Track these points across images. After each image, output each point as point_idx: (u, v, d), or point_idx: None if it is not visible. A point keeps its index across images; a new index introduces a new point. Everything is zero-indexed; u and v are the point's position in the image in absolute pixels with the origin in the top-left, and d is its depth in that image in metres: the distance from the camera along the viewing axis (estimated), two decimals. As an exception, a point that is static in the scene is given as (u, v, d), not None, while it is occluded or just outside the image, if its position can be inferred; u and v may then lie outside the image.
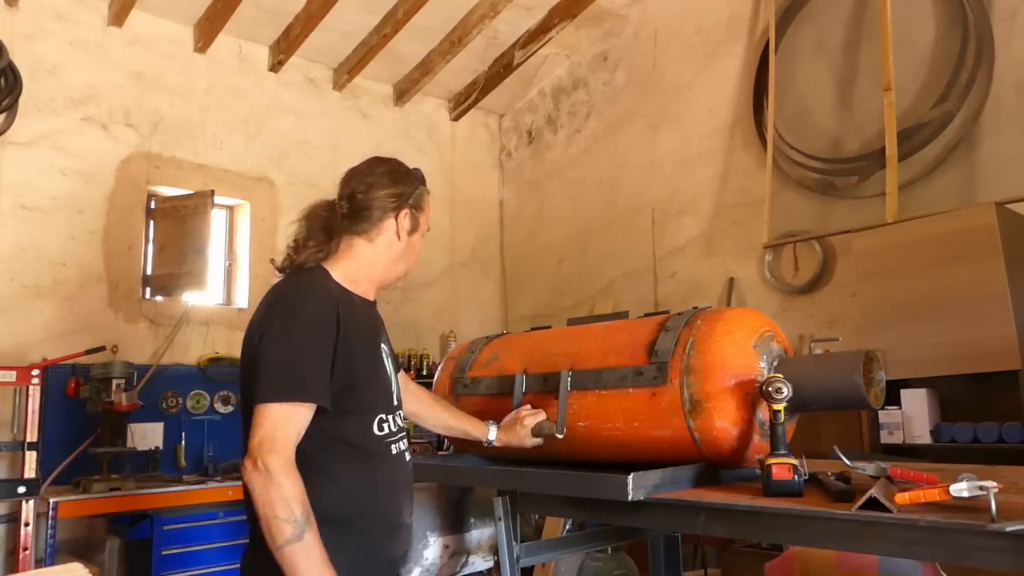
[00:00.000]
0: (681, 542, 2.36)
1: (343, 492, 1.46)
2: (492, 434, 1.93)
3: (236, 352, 4.70)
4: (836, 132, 3.99)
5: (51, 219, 4.20)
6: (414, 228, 1.66)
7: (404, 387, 1.79)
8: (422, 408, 1.95)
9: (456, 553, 2.18)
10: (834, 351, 1.99)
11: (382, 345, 1.62)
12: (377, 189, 1.63)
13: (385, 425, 1.54)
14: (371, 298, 1.66)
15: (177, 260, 4.47)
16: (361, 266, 1.62)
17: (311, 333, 1.42)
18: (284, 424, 1.36)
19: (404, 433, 1.62)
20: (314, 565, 1.31)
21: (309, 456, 1.41)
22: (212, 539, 4.01)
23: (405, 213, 1.63)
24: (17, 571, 3.53)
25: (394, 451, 1.55)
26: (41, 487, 3.62)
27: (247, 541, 1.50)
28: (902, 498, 1.25)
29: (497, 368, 2.12)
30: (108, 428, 3.93)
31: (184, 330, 4.58)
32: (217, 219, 4.91)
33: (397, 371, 1.69)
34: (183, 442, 4.37)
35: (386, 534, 1.52)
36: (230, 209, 5.12)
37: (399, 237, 1.63)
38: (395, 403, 1.61)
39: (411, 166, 1.73)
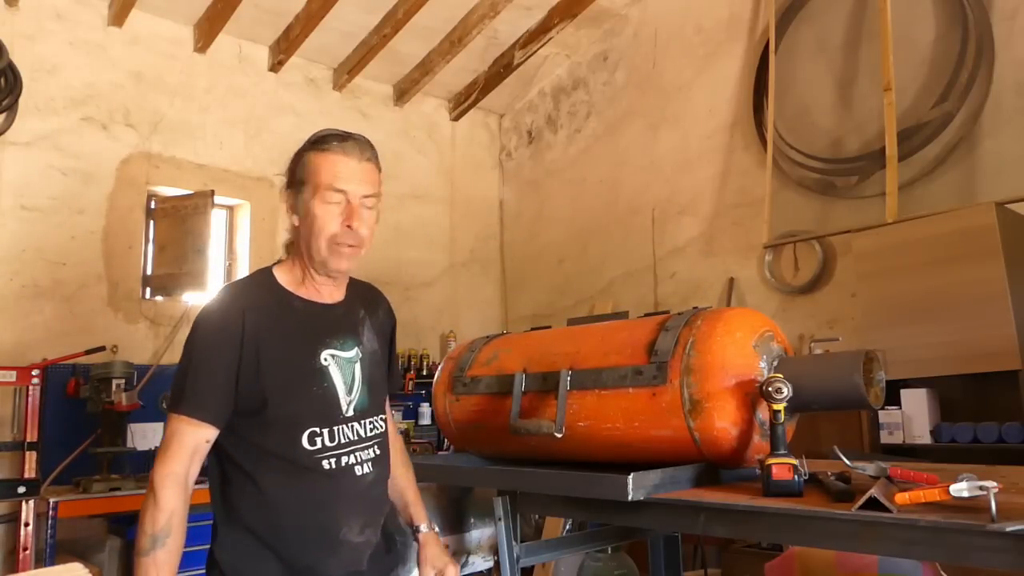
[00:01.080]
0: (681, 542, 2.36)
1: (271, 504, 1.41)
2: (423, 529, 1.72)
3: (236, 352, 4.74)
4: (836, 132, 3.99)
5: (51, 219, 4.20)
6: (299, 205, 1.49)
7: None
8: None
9: (456, 553, 2.18)
10: (834, 351, 1.99)
11: (328, 352, 1.48)
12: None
13: (319, 439, 1.43)
14: (330, 299, 1.54)
15: (177, 260, 4.47)
16: (294, 262, 1.55)
17: (202, 347, 1.42)
18: (174, 436, 1.38)
19: (361, 444, 1.49)
20: None
21: (241, 467, 1.43)
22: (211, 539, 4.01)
23: (286, 195, 1.53)
24: (17, 571, 3.53)
25: (328, 466, 1.43)
26: (41, 487, 3.62)
27: None
28: (902, 498, 1.25)
29: (497, 367, 2.12)
30: (108, 428, 3.93)
31: (184, 330, 4.56)
32: (217, 219, 4.90)
33: (372, 375, 1.55)
34: (183, 442, 4.36)
35: (319, 551, 1.42)
36: (230, 209, 5.12)
37: (292, 222, 1.52)
38: (342, 414, 1.47)
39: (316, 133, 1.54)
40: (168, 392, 1.46)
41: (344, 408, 1.47)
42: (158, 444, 4.38)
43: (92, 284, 4.30)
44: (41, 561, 3.54)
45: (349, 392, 1.49)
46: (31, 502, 3.53)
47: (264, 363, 1.41)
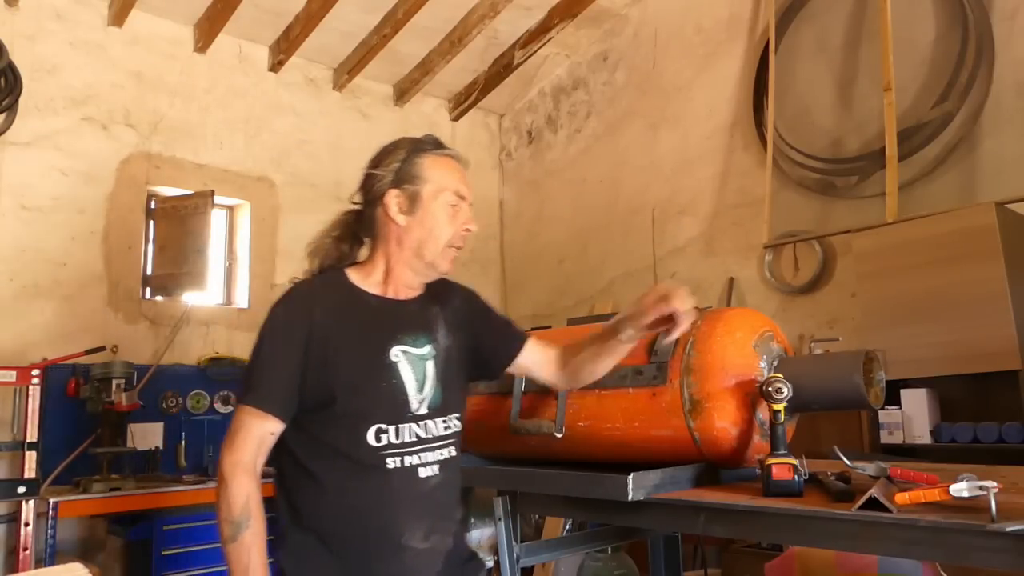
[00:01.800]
0: (681, 542, 2.36)
1: (332, 505, 1.40)
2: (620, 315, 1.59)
3: (236, 352, 4.75)
4: (836, 132, 3.99)
5: (51, 219, 4.20)
6: (413, 204, 1.47)
7: (538, 364, 1.65)
8: (573, 370, 1.67)
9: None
10: (834, 351, 1.99)
11: (399, 348, 1.45)
12: (365, 181, 1.54)
13: (384, 436, 1.40)
14: (402, 295, 1.52)
15: (177, 260, 4.47)
16: (376, 262, 1.52)
17: (272, 341, 1.42)
18: (241, 427, 1.40)
19: (429, 444, 1.45)
20: (243, 568, 1.36)
21: (302, 463, 1.43)
22: (212, 539, 4.01)
23: (394, 194, 1.48)
24: (17, 571, 3.53)
25: (392, 464, 1.40)
26: (41, 487, 3.62)
27: None
28: (902, 498, 1.25)
29: (497, 368, 2.12)
30: (108, 428, 3.93)
31: (184, 330, 4.58)
32: (217, 219, 4.91)
33: (447, 372, 1.50)
34: (183, 442, 4.36)
35: (379, 555, 1.39)
36: (230, 209, 5.12)
37: (396, 221, 1.48)
38: (411, 411, 1.44)
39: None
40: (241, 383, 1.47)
41: (414, 405, 1.44)
42: (159, 444, 4.38)
43: (92, 284, 4.30)
44: (41, 561, 3.54)
45: (420, 389, 1.45)
46: (31, 502, 3.53)
47: (332, 357, 1.39)
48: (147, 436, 4.26)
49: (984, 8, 3.50)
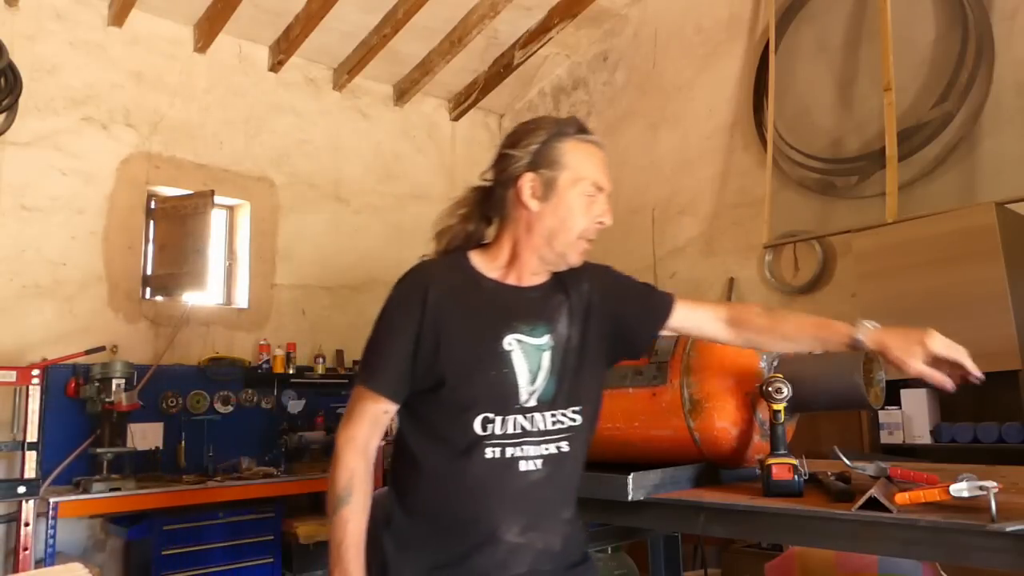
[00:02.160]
0: (681, 542, 2.37)
1: (431, 487, 1.37)
2: (864, 332, 1.44)
3: (236, 352, 4.75)
4: (836, 132, 3.99)
5: (51, 219, 4.20)
6: (548, 191, 1.40)
7: (700, 324, 1.55)
8: (751, 333, 1.55)
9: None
10: (834, 351, 1.99)
11: (513, 336, 1.38)
12: (499, 159, 1.45)
13: (490, 426, 1.35)
14: (525, 282, 1.44)
15: (177, 260, 4.47)
16: (502, 245, 1.45)
17: (386, 322, 1.41)
18: (355, 405, 1.39)
19: (537, 437, 1.37)
20: (337, 542, 1.32)
21: (409, 445, 1.40)
22: (212, 539, 4.01)
23: (528, 177, 1.40)
24: (17, 571, 3.53)
25: (491, 454, 1.34)
26: (41, 487, 3.62)
27: None
28: (902, 498, 1.25)
29: (497, 368, 2.11)
30: (108, 428, 3.93)
31: (184, 330, 4.58)
32: (217, 219, 4.91)
33: (564, 364, 1.41)
34: (183, 442, 4.36)
35: (473, 544, 1.34)
36: (230, 209, 5.12)
37: (528, 206, 1.40)
38: (519, 403, 1.36)
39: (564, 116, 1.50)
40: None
41: (523, 397, 1.37)
42: (159, 444, 4.38)
43: (92, 284, 4.30)
44: (41, 561, 3.54)
45: (532, 381, 1.38)
46: (31, 502, 3.53)
47: (444, 341, 1.36)
48: (147, 436, 4.26)
49: (984, 8, 3.50)
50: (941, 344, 1.36)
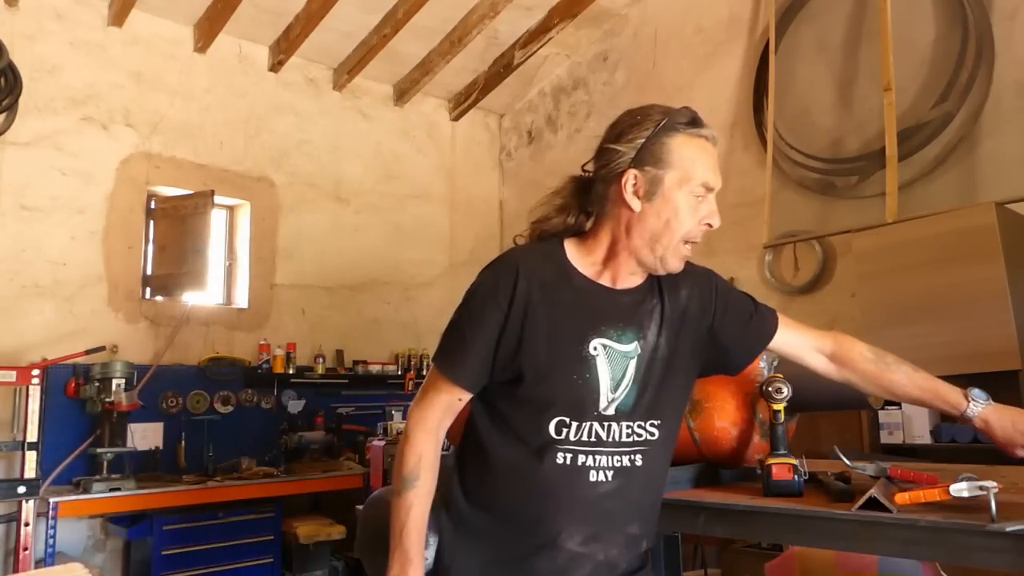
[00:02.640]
0: (681, 542, 2.36)
1: (497, 483, 1.32)
2: (974, 409, 1.43)
3: (236, 352, 4.75)
4: (836, 132, 3.99)
5: (51, 219, 4.20)
6: (652, 190, 1.30)
7: (822, 355, 1.47)
8: (853, 376, 1.47)
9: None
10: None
11: (600, 340, 1.31)
12: (601, 153, 1.38)
13: (565, 430, 1.29)
14: (619, 284, 1.36)
15: (177, 260, 4.47)
16: (599, 241, 1.37)
17: (471, 307, 1.35)
18: (430, 388, 1.36)
19: (610, 448, 1.30)
20: (400, 525, 1.29)
21: (480, 435, 1.36)
22: (212, 539, 4.01)
23: (631, 174, 1.31)
24: (17, 571, 3.53)
25: (561, 460, 1.28)
26: (41, 487, 3.62)
27: None
28: (902, 498, 1.25)
29: (497, 368, 2.11)
30: (108, 428, 3.94)
31: (184, 330, 4.58)
32: (217, 219, 4.91)
33: (649, 374, 1.34)
34: (183, 442, 4.37)
35: (532, 547, 1.29)
36: (230, 209, 5.12)
37: (630, 204, 1.31)
38: (598, 410, 1.30)
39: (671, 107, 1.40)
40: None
41: (603, 404, 1.30)
42: (159, 444, 4.38)
43: (92, 284, 4.30)
44: (41, 561, 3.54)
45: (615, 388, 1.31)
46: (31, 502, 3.53)
47: (528, 337, 1.29)
48: (147, 436, 4.26)
49: (984, 8, 3.50)
50: None
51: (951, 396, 1.44)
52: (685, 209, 1.31)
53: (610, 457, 1.30)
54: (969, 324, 2.99)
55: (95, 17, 4.46)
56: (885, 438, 3.23)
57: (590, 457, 1.29)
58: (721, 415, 1.69)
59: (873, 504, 1.28)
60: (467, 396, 1.36)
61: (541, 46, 5.38)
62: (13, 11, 4.16)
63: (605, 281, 1.36)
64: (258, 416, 4.75)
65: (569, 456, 1.28)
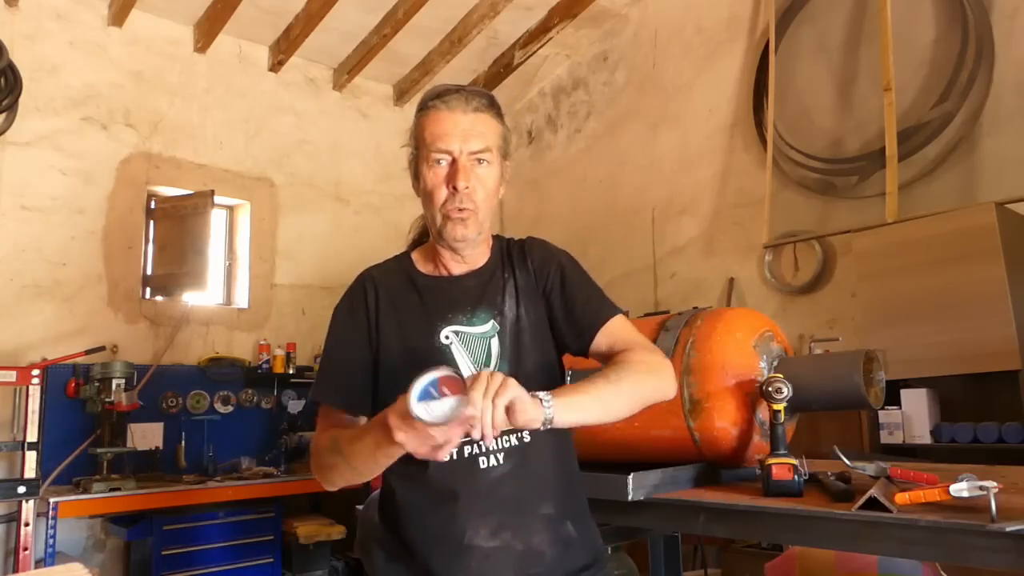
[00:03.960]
0: (681, 542, 2.36)
1: (397, 501, 1.30)
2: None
3: (236, 352, 4.75)
4: (836, 132, 3.99)
5: (51, 219, 4.20)
6: (415, 172, 1.35)
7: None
8: None
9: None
10: (834, 351, 1.99)
11: (450, 329, 1.31)
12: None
13: None
14: (456, 270, 1.37)
15: (177, 260, 4.47)
16: (432, 239, 1.40)
17: (331, 335, 1.39)
18: (317, 423, 1.39)
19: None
20: (350, 448, 1.22)
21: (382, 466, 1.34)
22: (212, 539, 4.01)
23: (411, 157, 1.36)
24: (17, 571, 3.53)
25: (449, 456, 1.18)
26: (41, 487, 3.62)
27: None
28: (902, 498, 1.25)
29: (497, 368, 2.11)
30: (108, 428, 3.94)
31: (184, 330, 4.58)
32: (217, 219, 4.91)
33: (518, 346, 1.31)
34: (183, 442, 4.37)
35: (444, 555, 1.25)
36: (230, 209, 5.12)
37: (416, 189, 1.37)
38: None
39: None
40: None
41: None
42: (159, 444, 4.38)
43: (92, 284, 4.30)
44: (41, 561, 3.54)
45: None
46: (31, 502, 3.53)
47: (383, 346, 1.31)
48: (147, 436, 4.26)
49: (984, 8, 3.50)
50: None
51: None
52: (431, 180, 1.31)
53: (496, 440, 1.25)
54: (969, 324, 2.99)
55: (95, 17, 4.46)
56: (885, 438, 3.23)
57: (475, 445, 1.26)
58: (721, 415, 1.69)
59: (873, 504, 1.28)
60: (352, 418, 1.33)
61: (541, 46, 5.39)
62: (13, 11, 4.16)
63: (443, 273, 1.38)
64: (258, 416, 4.75)
65: (454, 450, 1.22)
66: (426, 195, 1.33)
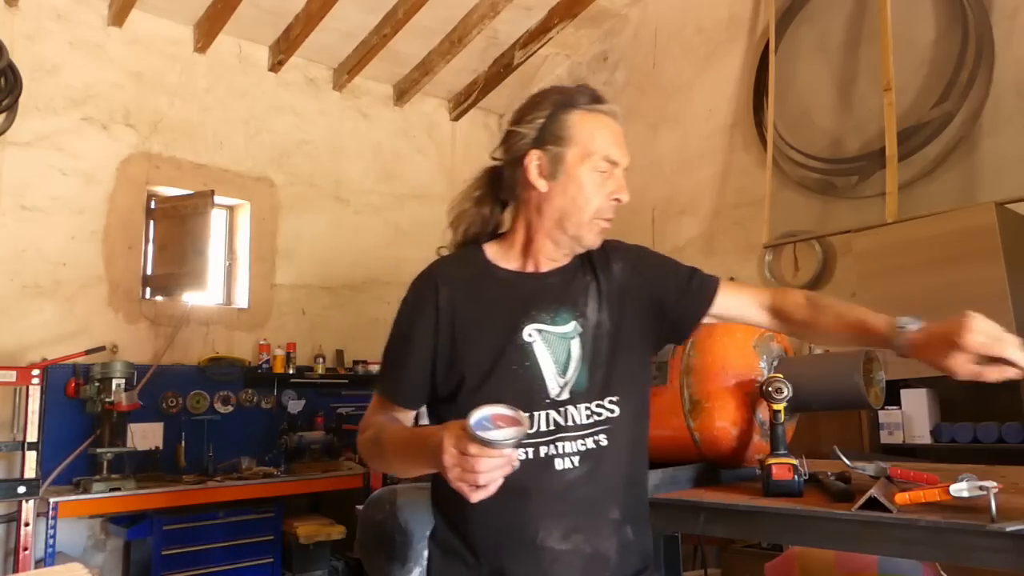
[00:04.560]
0: (681, 542, 2.36)
1: (464, 497, 1.27)
2: (902, 337, 1.38)
3: (236, 352, 4.75)
4: (836, 132, 3.99)
5: (51, 219, 4.20)
6: (555, 168, 1.30)
7: (754, 306, 1.43)
8: (791, 326, 1.43)
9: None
10: (834, 351, 1.99)
11: (533, 326, 1.29)
12: (506, 137, 1.36)
13: None
14: (543, 268, 1.35)
15: (177, 260, 4.47)
16: (516, 231, 1.37)
17: (398, 328, 1.36)
18: (372, 407, 1.39)
19: (571, 433, 1.26)
20: (394, 448, 1.27)
21: None
22: (212, 539, 4.01)
23: (533, 155, 1.31)
24: (17, 571, 3.53)
25: (524, 455, 1.22)
26: (41, 487, 3.62)
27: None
28: (902, 498, 1.25)
29: (497, 368, 2.11)
30: (108, 428, 3.94)
31: (184, 330, 4.58)
32: (217, 219, 4.91)
33: (598, 350, 1.30)
34: (183, 442, 4.36)
35: (512, 554, 1.23)
36: (230, 209, 5.12)
37: (536, 186, 1.31)
38: (549, 397, 1.26)
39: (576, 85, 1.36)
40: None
41: (554, 391, 1.27)
42: (159, 444, 4.38)
43: (92, 284, 4.30)
44: (41, 561, 3.54)
45: (563, 372, 1.28)
46: (31, 502, 3.53)
47: (461, 340, 1.29)
48: (147, 436, 4.26)
49: (984, 8, 3.50)
50: (980, 340, 1.21)
51: (878, 326, 1.38)
52: (590, 185, 1.29)
53: (573, 442, 1.26)
54: (969, 324, 2.98)
55: (95, 17, 4.46)
56: (885, 438, 3.23)
57: (551, 446, 1.25)
58: (721, 415, 1.69)
59: (873, 504, 1.28)
60: (406, 416, 1.36)
61: (541, 46, 5.39)
62: (13, 11, 4.16)
63: (529, 269, 1.36)
64: (258, 416, 4.75)
65: (531, 450, 1.24)
66: (576, 196, 1.30)
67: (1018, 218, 3.16)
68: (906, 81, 3.66)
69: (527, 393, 1.26)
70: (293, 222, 5.14)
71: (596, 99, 1.33)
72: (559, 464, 1.25)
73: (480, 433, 0.97)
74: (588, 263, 1.37)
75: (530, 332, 1.29)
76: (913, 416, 3.17)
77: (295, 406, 4.85)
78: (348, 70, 5.32)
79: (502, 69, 5.63)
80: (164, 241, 4.55)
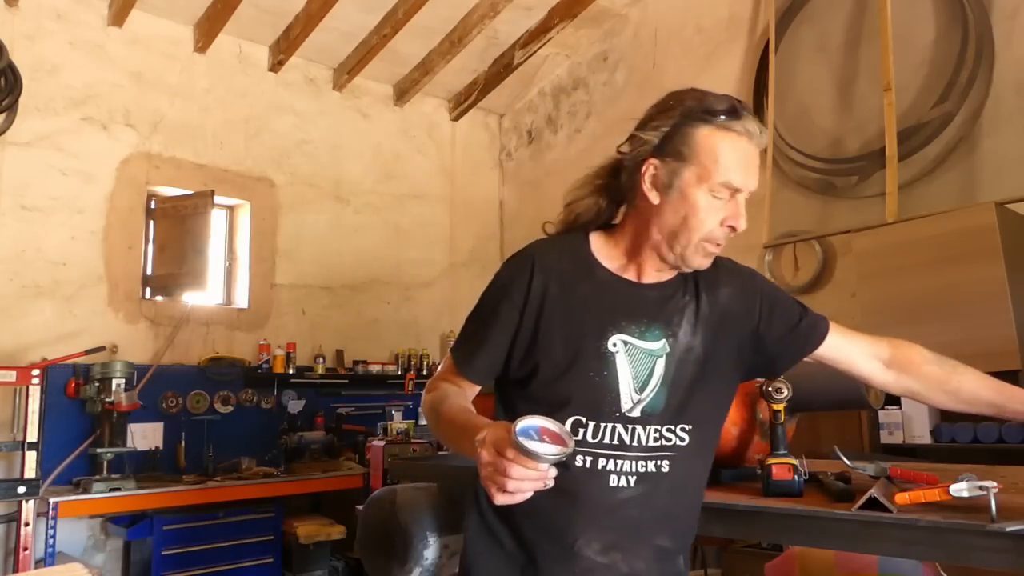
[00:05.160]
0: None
1: None
2: None
3: (236, 352, 4.76)
4: (836, 132, 3.99)
5: (51, 219, 4.20)
6: (671, 183, 1.21)
7: (879, 358, 1.36)
8: (915, 382, 1.37)
9: (456, 553, 2.17)
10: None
11: (620, 336, 1.24)
12: (631, 138, 1.28)
13: (582, 430, 1.22)
14: (645, 278, 1.29)
15: (177, 260, 4.48)
16: (624, 232, 1.31)
17: (484, 304, 1.33)
18: (444, 369, 1.36)
19: (633, 452, 1.23)
20: (456, 429, 1.23)
21: None
22: (212, 539, 4.01)
23: (651, 164, 1.23)
24: (17, 571, 3.53)
25: (581, 462, 1.21)
26: (41, 487, 3.62)
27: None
28: (902, 498, 1.25)
29: (497, 368, 2.11)
30: (108, 428, 3.94)
31: (184, 330, 4.58)
32: (217, 219, 4.91)
33: (681, 375, 1.26)
34: (183, 442, 4.37)
35: (550, 556, 1.23)
36: (230, 209, 5.12)
37: (648, 197, 1.23)
38: (620, 411, 1.22)
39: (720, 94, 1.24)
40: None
41: (626, 406, 1.23)
42: (159, 444, 4.39)
43: (92, 284, 4.30)
44: (41, 561, 3.54)
45: (640, 389, 1.23)
46: (31, 502, 3.53)
47: (544, 332, 1.24)
48: (147, 436, 4.26)
49: (984, 8, 3.50)
50: None
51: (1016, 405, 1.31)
52: (704, 208, 1.21)
53: (634, 462, 1.22)
54: (969, 324, 2.98)
55: (95, 17, 4.46)
56: (885, 438, 3.23)
57: (611, 461, 1.22)
58: (721, 415, 1.69)
59: (873, 504, 1.28)
60: (471, 388, 1.34)
61: (541, 46, 5.39)
62: (13, 11, 4.16)
63: (630, 275, 1.30)
64: (258, 416, 4.75)
65: (589, 459, 1.21)
66: (688, 217, 1.21)
67: (1018, 218, 3.16)
68: (906, 81, 3.66)
69: (598, 402, 1.23)
70: (293, 222, 5.14)
71: (733, 114, 1.21)
72: (613, 480, 1.22)
73: (523, 441, 0.95)
74: (693, 282, 1.32)
75: (615, 342, 1.24)
76: (913, 416, 3.17)
77: (295, 406, 4.85)
78: (348, 70, 5.32)
79: (502, 69, 5.63)
80: (164, 241, 4.55)
